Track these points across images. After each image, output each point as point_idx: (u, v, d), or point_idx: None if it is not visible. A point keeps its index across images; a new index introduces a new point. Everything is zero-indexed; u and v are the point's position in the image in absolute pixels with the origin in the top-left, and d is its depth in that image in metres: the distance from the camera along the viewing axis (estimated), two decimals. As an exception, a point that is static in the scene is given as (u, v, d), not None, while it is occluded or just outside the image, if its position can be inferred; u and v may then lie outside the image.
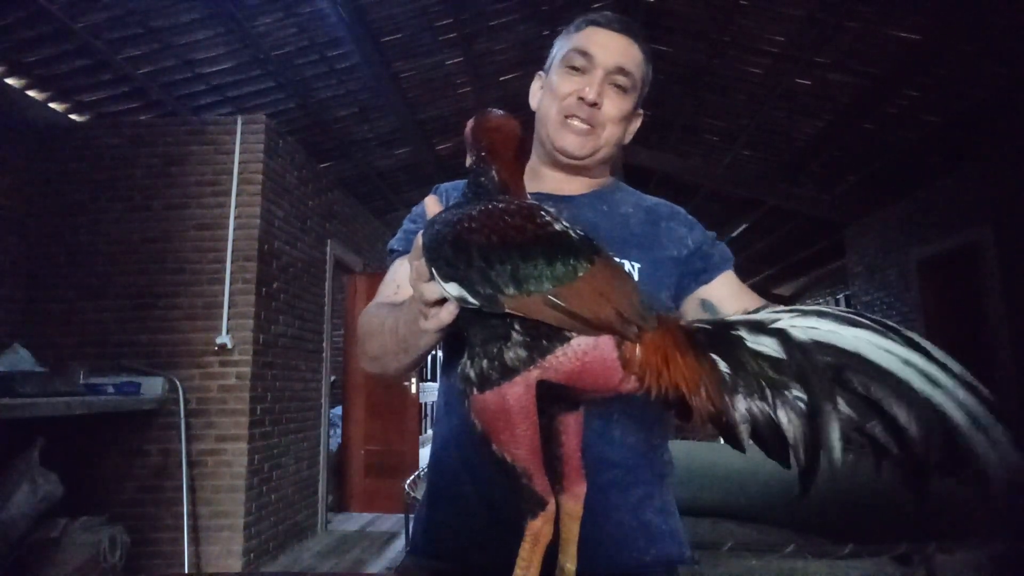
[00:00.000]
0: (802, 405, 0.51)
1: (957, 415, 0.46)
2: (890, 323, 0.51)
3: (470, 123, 0.78)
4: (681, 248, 1.00)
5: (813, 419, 0.50)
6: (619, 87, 0.98)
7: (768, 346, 0.54)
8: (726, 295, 0.97)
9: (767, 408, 0.52)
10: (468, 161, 0.77)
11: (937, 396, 0.47)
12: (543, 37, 4.60)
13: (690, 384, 0.56)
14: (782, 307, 0.57)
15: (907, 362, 0.48)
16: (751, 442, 0.55)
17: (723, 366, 0.55)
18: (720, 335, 0.57)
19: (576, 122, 0.98)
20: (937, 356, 0.49)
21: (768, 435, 0.53)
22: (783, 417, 0.52)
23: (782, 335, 0.53)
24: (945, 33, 3.70)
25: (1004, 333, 4.64)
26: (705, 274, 0.99)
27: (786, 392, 0.52)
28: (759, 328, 0.55)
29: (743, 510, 2.85)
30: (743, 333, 0.56)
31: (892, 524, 2.11)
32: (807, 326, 0.53)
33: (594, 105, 0.97)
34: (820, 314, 0.53)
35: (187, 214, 3.87)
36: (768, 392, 0.53)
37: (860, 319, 0.52)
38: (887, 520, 2.17)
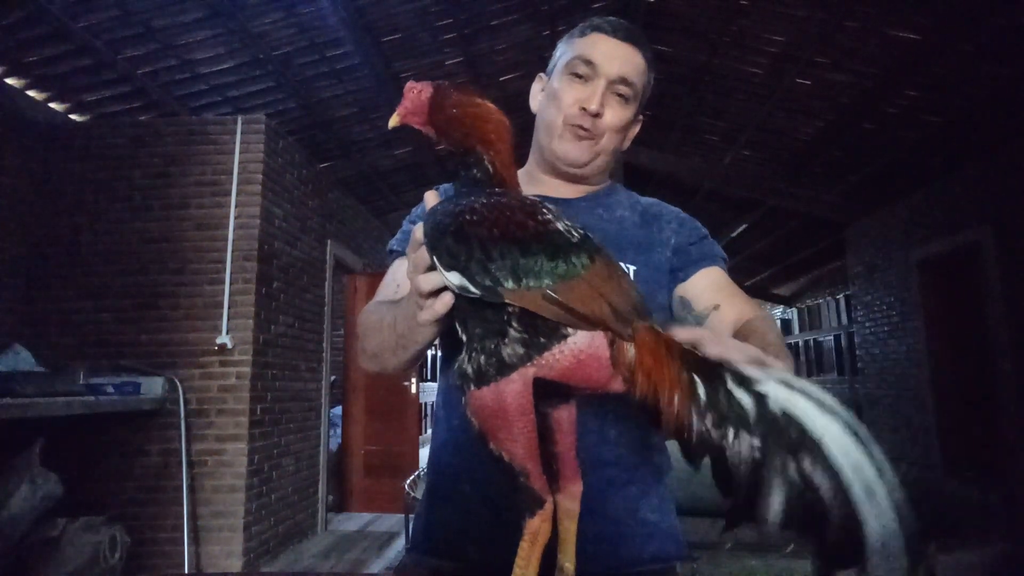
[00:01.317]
0: (756, 455, 0.53)
1: (873, 536, 0.48)
2: (867, 434, 0.53)
3: (433, 93, 0.74)
4: (667, 249, 1.01)
5: (758, 473, 0.52)
6: (621, 96, 0.99)
7: (743, 400, 0.55)
8: (701, 291, 0.97)
9: (724, 444, 0.54)
10: (394, 121, 0.75)
11: (866, 509, 0.49)
12: (543, 37, 4.61)
13: (668, 394, 0.57)
14: (779, 369, 0.58)
15: (857, 469, 0.50)
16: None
17: (700, 390, 0.56)
18: (708, 364, 0.58)
19: (578, 131, 0.99)
20: (889, 478, 0.50)
21: (719, 467, 0.55)
22: (734, 458, 0.54)
23: (759, 399, 0.55)
24: (945, 33, 3.70)
25: (1004, 333, 4.63)
26: (682, 272, 0.99)
27: (747, 437, 0.54)
28: (743, 382, 0.56)
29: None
30: (727, 377, 0.57)
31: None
32: (787, 397, 0.54)
33: (596, 115, 0.97)
34: (806, 394, 0.54)
35: (187, 214, 3.87)
36: (731, 431, 0.54)
37: (840, 413, 0.53)
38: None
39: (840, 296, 9.22)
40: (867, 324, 6.71)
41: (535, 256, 0.59)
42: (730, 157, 6.06)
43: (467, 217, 0.62)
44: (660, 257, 0.99)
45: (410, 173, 6.22)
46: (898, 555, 0.48)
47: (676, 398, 0.56)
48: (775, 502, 0.51)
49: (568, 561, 0.66)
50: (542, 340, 0.58)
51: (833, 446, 0.51)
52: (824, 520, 0.50)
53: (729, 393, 0.56)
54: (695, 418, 0.55)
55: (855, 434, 0.52)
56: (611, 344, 0.59)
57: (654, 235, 1.02)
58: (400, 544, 4.39)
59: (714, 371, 0.57)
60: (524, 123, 1.10)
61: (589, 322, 0.58)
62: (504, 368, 0.58)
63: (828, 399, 0.54)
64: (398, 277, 0.98)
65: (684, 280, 0.99)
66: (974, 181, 4.94)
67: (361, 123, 5.04)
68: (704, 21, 4.41)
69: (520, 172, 1.09)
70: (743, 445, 0.54)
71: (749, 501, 0.52)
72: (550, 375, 0.59)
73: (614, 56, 0.98)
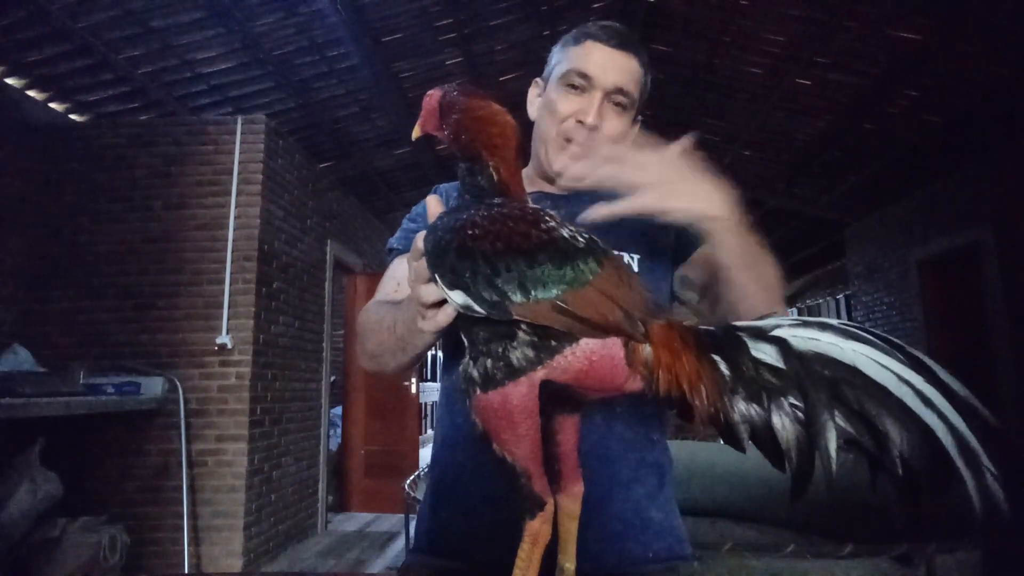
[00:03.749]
0: (799, 413, 0.52)
1: (947, 440, 0.46)
2: (896, 340, 0.51)
3: (442, 97, 0.72)
4: (669, 235, 0.99)
5: (809, 428, 0.51)
6: (618, 105, 0.98)
7: (768, 353, 0.54)
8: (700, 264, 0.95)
9: (763, 413, 0.53)
10: (416, 132, 0.75)
11: (929, 418, 0.47)
12: (543, 37, 4.60)
13: (691, 384, 0.56)
14: (789, 316, 0.57)
15: (904, 380, 0.48)
16: (751, 444, 0.55)
17: (724, 368, 0.55)
18: (724, 338, 0.57)
19: (575, 147, 0.98)
20: (941, 377, 0.48)
21: (764, 439, 0.53)
22: (778, 423, 0.52)
23: (782, 344, 0.53)
24: (945, 33, 3.69)
25: (1004, 333, 4.63)
26: (682, 252, 0.98)
27: (782, 399, 0.53)
28: (759, 335, 0.55)
29: (743, 510, 2.84)
30: (745, 338, 0.56)
31: (892, 524, 2.11)
32: (808, 337, 0.53)
33: (594, 128, 0.96)
34: (823, 326, 0.53)
35: (187, 214, 3.87)
36: (765, 397, 0.53)
37: (863, 334, 0.52)
38: (887, 520, 2.17)
39: (840, 296, 9.23)
40: (867, 324, 6.69)
41: (542, 265, 0.57)
42: (730, 157, 6.06)
43: (468, 232, 0.60)
44: (663, 243, 0.99)
45: (410, 173, 6.21)
46: (983, 457, 0.45)
47: (703, 385, 0.55)
48: (832, 448, 0.49)
49: (568, 562, 0.66)
50: (553, 343, 0.57)
51: (869, 367, 0.50)
52: (892, 450, 0.48)
53: (754, 360, 0.54)
54: (727, 398, 0.54)
55: (889, 347, 0.50)
56: (625, 344, 0.58)
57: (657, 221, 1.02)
58: (400, 544, 4.39)
59: (733, 342, 0.56)
60: (524, 125, 1.10)
61: (602, 330, 0.57)
62: (513, 372, 0.57)
63: (849, 325, 0.53)
64: (398, 275, 0.98)
65: (684, 261, 0.98)
66: (974, 181, 4.94)
67: (361, 123, 5.03)
68: (704, 21, 4.40)
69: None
70: (783, 406, 0.52)
71: (807, 461, 0.51)
72: (562, 379, 0.58)
73: (609, 66, 0.97)
